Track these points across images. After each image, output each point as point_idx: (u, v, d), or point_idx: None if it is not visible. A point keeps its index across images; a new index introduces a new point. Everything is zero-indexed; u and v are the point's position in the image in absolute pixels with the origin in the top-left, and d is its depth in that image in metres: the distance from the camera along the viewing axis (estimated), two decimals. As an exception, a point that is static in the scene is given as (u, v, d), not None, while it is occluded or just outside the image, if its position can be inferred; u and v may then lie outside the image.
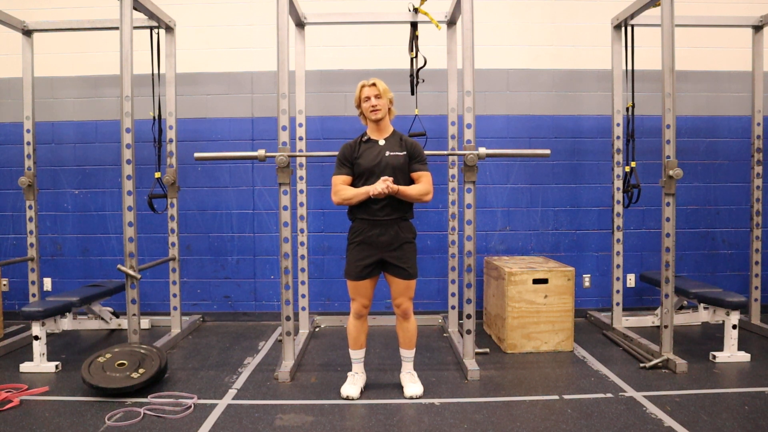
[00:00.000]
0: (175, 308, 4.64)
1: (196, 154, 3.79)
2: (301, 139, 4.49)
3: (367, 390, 3.38)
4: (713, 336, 4.41)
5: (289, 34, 3.65)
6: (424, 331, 4.63)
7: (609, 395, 3.28)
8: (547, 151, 3.79)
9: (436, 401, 3.22)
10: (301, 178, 4.51)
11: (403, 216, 3.22)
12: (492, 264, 4.52)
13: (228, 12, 5.05)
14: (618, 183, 4.57)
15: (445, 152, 4.40)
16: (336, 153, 3.30)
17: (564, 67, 5.08)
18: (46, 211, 5.06)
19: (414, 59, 4.25)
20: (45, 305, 3.84)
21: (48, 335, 4.05)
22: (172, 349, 4.29)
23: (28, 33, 4.56)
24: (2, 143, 5.08)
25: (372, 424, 2.94)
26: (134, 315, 3.76)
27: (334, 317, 4.99)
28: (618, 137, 4.55)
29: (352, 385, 3.32)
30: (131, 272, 3.74)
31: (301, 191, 4.53)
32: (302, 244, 4.62)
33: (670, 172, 3.64)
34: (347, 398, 3.26)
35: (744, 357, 3.84)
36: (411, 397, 3.27)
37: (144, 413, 3.04)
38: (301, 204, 4.56)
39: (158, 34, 4.46)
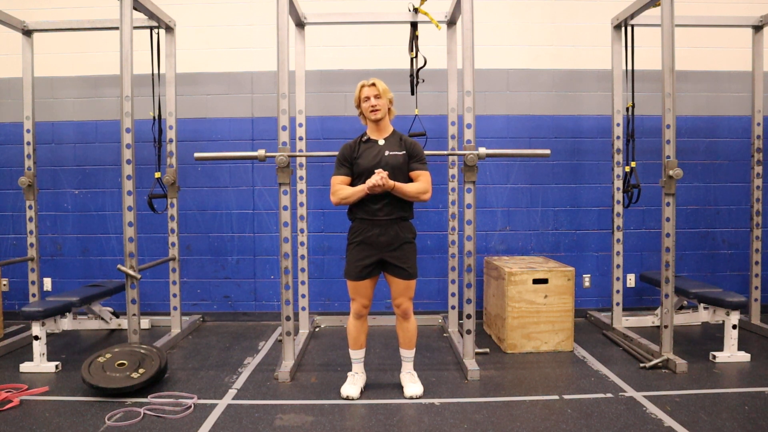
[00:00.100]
0: (175, 308, 4.64)
1: (196, 154, 3.79)
2: (301, 139, 4.49)
3: (367, 390, 3.38)
4: (713, 336, 4.42)
5: (289, 34, 3.65)
6: (424, 331, 4.63)
7: (609, 395, 3.28)
8: (547, 151, 3.79)
9: (436, 401, 3.22)
10: (301, 178, 4.51)
11: (402, 216, 3.22)
12: (492, 264, 4.52)
13: (228, 12, 5.05)
14: (618, 183, 4.57)
15: (445, 152, 4.40)
16: (336, 153, 3.30)
17: (564, 67, 5.08)
18: (46, 211, 5.06)
19: (414, 59, 4.25)
20: (45, 305, 3.84)
21: (48, 335, 4.05)
22: (172, 349, 4.30)
23: (28, 33, 4.56)
24: (2, 143, 5.08)
25: (372, 424, 2.94)
26: (134, 315, 3.77)
27: (334, 317, 4.99)
28: (618, 137, 4.55)
29: (352, 385, 3.32)
30: (131, 272, 3.74)
31: (301, 191, 4.53)
32: (302, 244, 4.63)
33: (670, 172, 3.64)
34: (347, 398, 3.26)
35: (744, 357, 3.84)
36: (411, 397, 3.27)
37: (144, 413, 3.04)
38: (301, 204, 4.56)
39: (158, 34, 4.46)
